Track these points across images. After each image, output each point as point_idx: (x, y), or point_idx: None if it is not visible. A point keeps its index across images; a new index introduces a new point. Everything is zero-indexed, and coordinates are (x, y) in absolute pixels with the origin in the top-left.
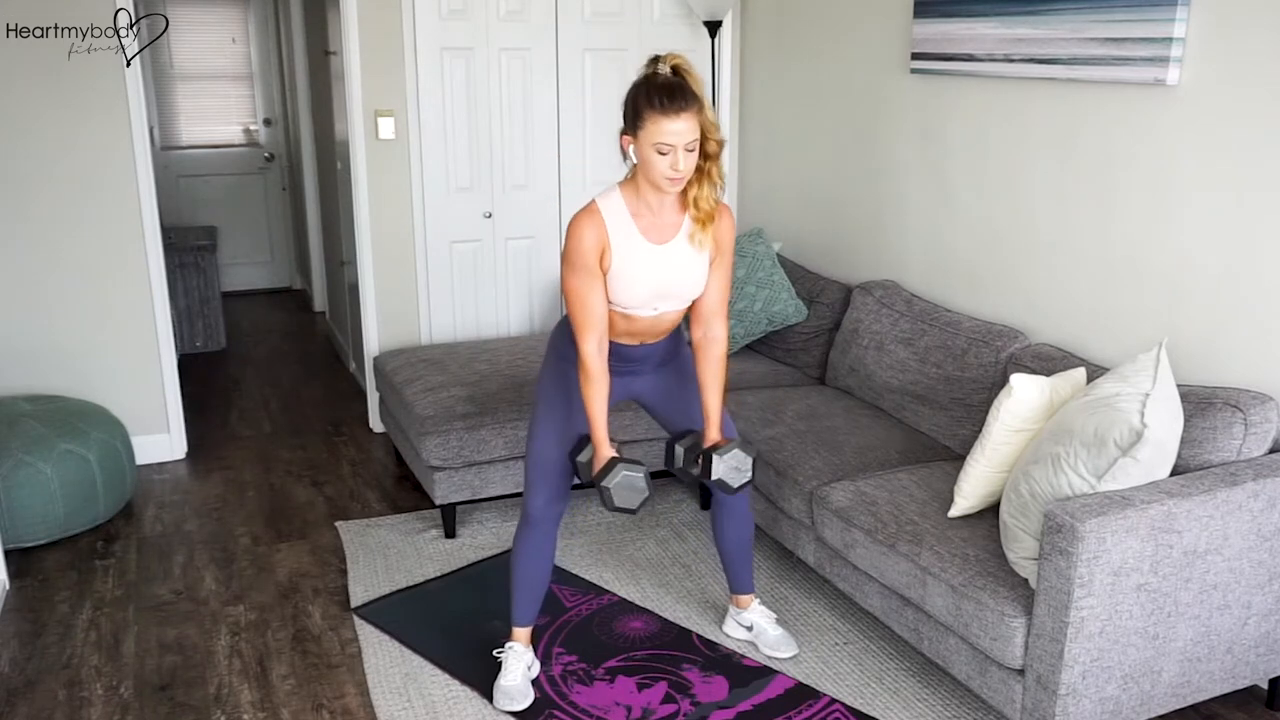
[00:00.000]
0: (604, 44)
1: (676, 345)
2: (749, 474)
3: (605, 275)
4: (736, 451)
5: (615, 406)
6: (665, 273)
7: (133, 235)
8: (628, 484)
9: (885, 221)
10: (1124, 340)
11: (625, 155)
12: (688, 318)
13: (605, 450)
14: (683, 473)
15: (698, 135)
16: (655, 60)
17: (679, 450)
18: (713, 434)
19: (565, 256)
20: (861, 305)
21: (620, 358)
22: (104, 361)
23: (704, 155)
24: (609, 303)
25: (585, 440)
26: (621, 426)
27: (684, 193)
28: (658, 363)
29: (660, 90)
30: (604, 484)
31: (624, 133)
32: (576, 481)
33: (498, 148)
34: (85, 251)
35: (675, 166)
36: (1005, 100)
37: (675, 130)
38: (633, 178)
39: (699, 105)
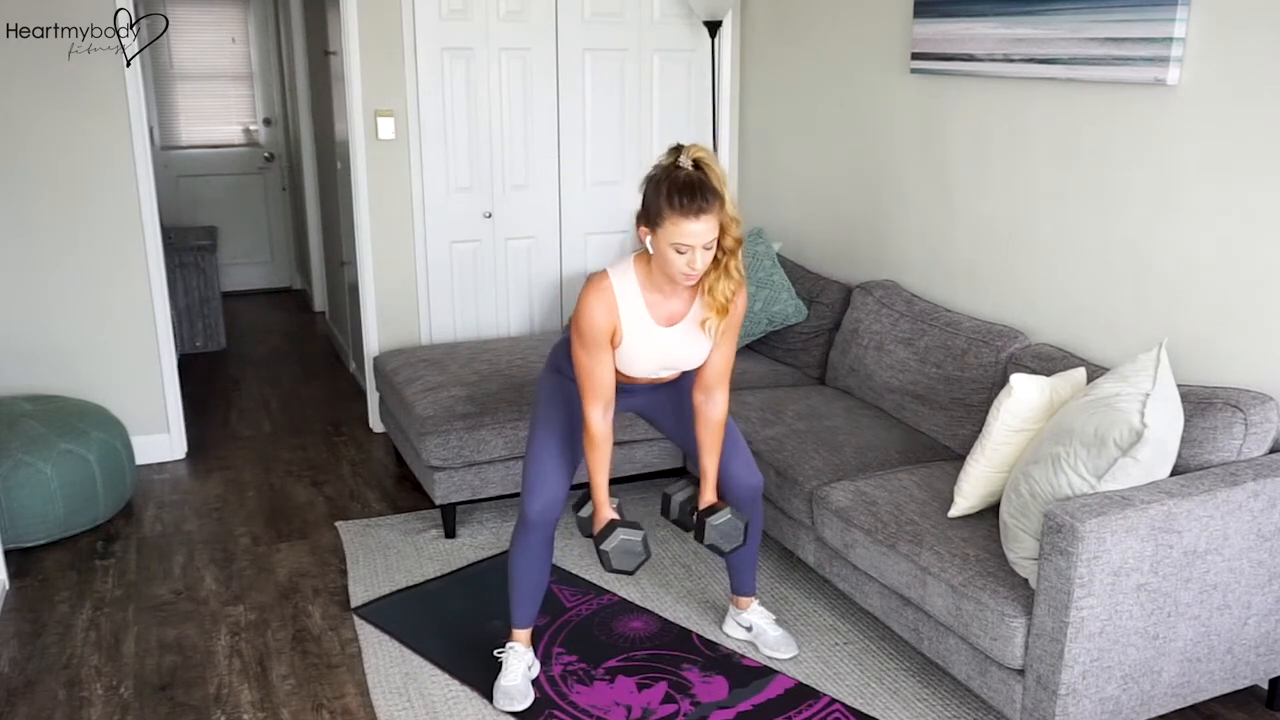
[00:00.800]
0: (604, 44)
1: None
2: (740, 539)
3: (613, 349)
4: (729, 519)
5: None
6: (671, 351)
7: (133, 235)
8: (625, 548)
9: (885, 221)
10: (1124, 340)
11: (641, 243)
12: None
13: (605, 512)
14: (676, 523)
15: (716, 234)
16: (677, 151)
17: (674, 504)
18: (708, 495)
19: (575, 327)
20: (861, 305)
21: (619, 389)
22: (104, 361)
23: (721, 249)
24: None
25: (588, 494)
26: (622, 427)
27: (700, 281)
28: (654, 385)
29: (681, 190)
30: (602, 547)
31: (641, 223)
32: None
33: (498, 148)
34: (85, 251)
35: (692, 265)
36: (1005, 100)
37: (694, 231)
38: (646, 256)
39: (720, 202)
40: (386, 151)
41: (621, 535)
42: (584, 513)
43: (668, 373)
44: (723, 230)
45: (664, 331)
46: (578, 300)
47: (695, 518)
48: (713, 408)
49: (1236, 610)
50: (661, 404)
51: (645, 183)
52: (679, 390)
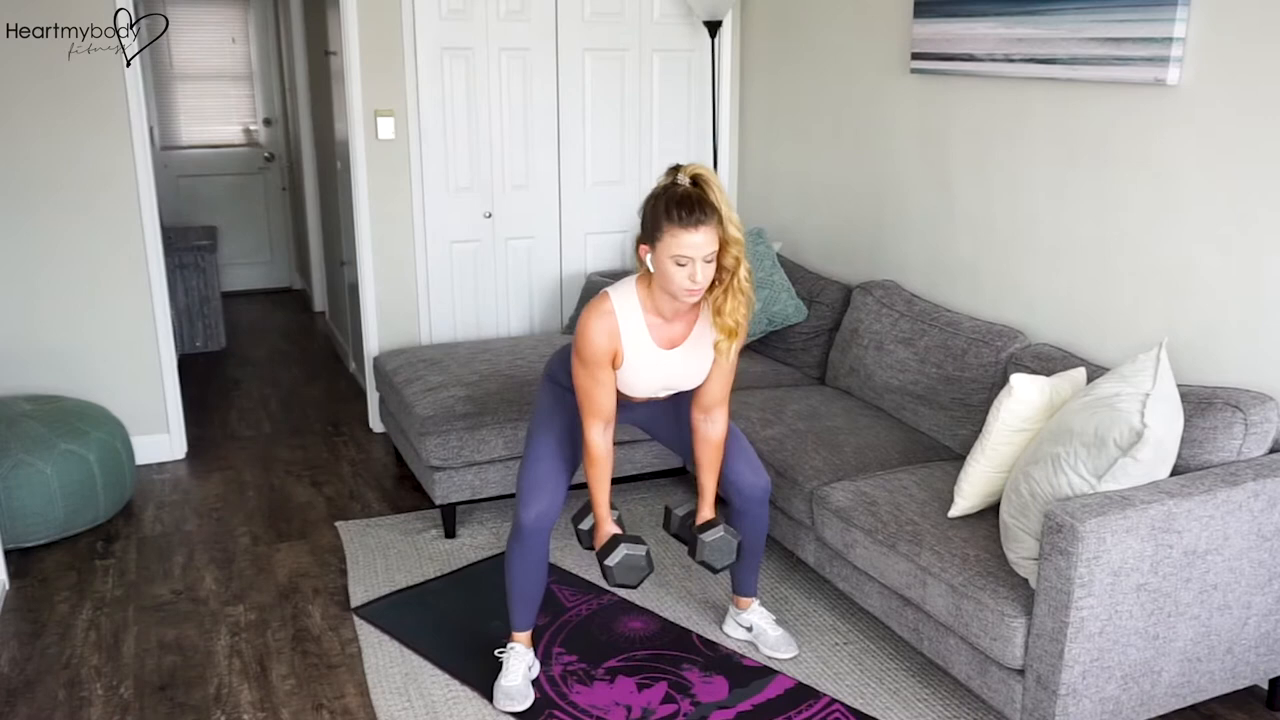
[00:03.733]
0: (604, 44)
1: None
2: (733, 556)
3: (614, 370)
4: (722, 535)
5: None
6: (671, 371)
7: (133, 235)
8: (628, 563)
9: (885, 221)
10: (1124, 340)
11: (641, 263)
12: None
13: (607, 527)
14: (676, 537)
15: (716, 247)
16: (675, 170)
17: (674, 518)
18: (705, 512)
19: (577, 351)
20: (861, 305)
21: (618, 403)
22: (104, 361)
23: (723, 267)
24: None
25: (588, 505)
26: (622, 428)
27: (706, 299)
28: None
29: (679, 203)
30: (605, 562)
31: (641, 241)
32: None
33: (498, 148)
34: (85, 251)
35: (693, 278)
36: (1005, 100)
37: (693, 243)
38: (648, 277)
39: (718, 216)
40: (386, 151)
41: (625, 550)
42: (584, 525)
43: (666, 393)
44: (723, 247)
45: (665, 354)
46: (578, 322)
47: (690, 533)
48: (711, 427)
49: (1236, 610)
50: (659, 417)
51: (644, 203)
52: (677, 403)
